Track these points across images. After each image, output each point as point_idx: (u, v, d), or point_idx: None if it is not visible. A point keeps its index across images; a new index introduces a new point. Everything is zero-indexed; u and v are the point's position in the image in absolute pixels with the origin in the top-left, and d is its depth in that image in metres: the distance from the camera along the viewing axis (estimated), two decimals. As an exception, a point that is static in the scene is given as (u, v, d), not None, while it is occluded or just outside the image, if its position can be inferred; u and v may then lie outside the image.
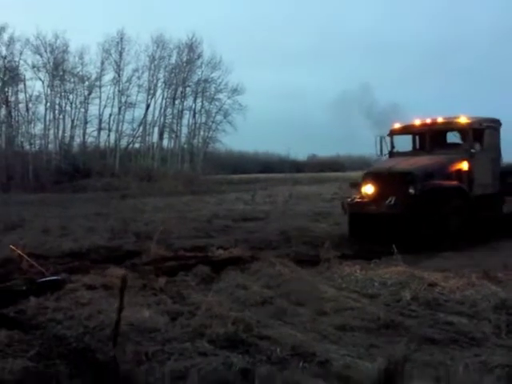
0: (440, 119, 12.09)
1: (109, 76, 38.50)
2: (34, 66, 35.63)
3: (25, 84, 35.30)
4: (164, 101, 40.49)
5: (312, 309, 6.19)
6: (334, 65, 49.04)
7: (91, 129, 37.87)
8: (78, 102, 37.24)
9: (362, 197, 11.56)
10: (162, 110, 40.35)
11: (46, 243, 10.85)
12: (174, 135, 41.50)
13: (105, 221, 14.39)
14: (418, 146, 12.71)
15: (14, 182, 28.40)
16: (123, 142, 39.15)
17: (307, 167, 50.88)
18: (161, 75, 40.41)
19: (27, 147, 34.39)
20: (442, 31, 59.70)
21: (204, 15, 54.59)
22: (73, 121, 36.94)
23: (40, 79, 35.96)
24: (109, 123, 38.18)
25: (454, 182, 11.17)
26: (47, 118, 35.73)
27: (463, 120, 11.66)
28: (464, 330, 5.46)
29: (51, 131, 35.85)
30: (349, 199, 11.97)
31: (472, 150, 11.47)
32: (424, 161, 11.48)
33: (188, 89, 41.53)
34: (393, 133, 12.68)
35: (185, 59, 40.95)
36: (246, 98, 42.53)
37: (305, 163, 54.74)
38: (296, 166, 49.74)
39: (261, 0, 60.59)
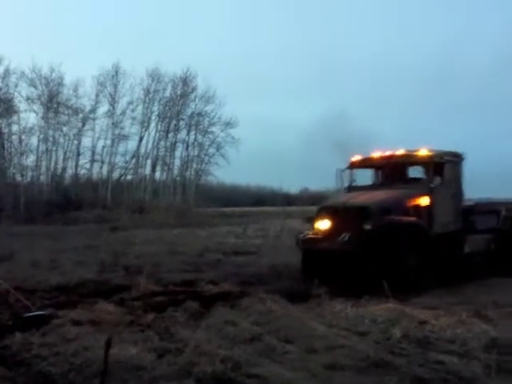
0: (399, 152, 11.50)
1: (103, 108, 38.80)
2: (28, 98, 35.89)
3: (18, 116, 35.50)
4: (157, 133, 40.76)
5: (302, 346, 6.13)
6: (327, 97, 49.60)
7: (84, 161, 37.95)
8: (71, 134, 37.42)
9: (315, 232, 10.87)
10: (155, 143, 40.56)
11: (34, 277, 10.70)
12: (166, 167, 41.61)
13: (95, 254, 14.27)
14: (378, 179, 12.18)
15: (5, 213, 28.23)
16: (115, 174, 39.22)
17: (299, 201, 50.91)
18: (155, 108, 40.79)
19: (19, 179, 34.37)
20: (440, 62, 60.56)
21: (199, 50, 55.38)
22: (65, 152, 37.04)
23: (34, 111, 36.18)
24: (102, 155, 38.31)
25: (412, 218, 10.45)
26: (40, 149, 35.84)
27: (423, 153, 11.06)
28: (454, 369, 5.41)
29: (43, 163, 35.90)
30: (301, 235, 11.31)
31: (431, 185, 10.85)
32: (381, 195, 10.90)
33: (181, 122, 41.87)
34: (352, 166, 12.05)
35: (179, 93, 41.38)
36: (239, 131, 42.83)
37: (297, 196, 54.82)
38: (288, 200, 49.78)
39: (254, 34, 61.41)
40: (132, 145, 39.52)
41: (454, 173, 11.34)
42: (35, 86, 36.01)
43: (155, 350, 5.85)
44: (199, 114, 42.16)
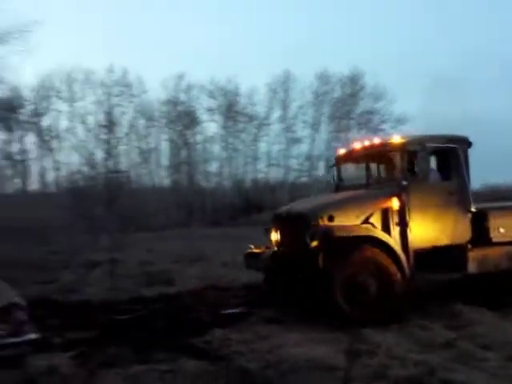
0: (376, 141, 9.03)
1: (276, 114, 40.19)
2: (209, 109, 38.61)
3: (201, 126, 38.41)
4: (329, 134, 41.08)
5: (502, 354, 5.78)
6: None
7: (261, 165, 39.73)
8: (248, 141, 39.38)
9: (266, 246, 8.97)
10: (327, 144, 40.90)
11: (225, 276, 11.45)
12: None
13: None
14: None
15: (194, 217, 30.68)
16: (291, 177, 40.37)
17: (480, 197, 47.23)
18: (324, 110, 41.16)
19: (205, 184, 37.17)
20: None
21: (364, 48, 54.49)
22: (244, 158, 39.13)
23: (214, 121, 38.85)
24: (277, 159, 39.70)
25: (365, 228, 7.79)
26: (221, 156, 38.39)
27: (396, 140, 8.41)
28: None
29: (226, 169, 38.43)
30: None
31: (403, 183, 8.02)
32: (333, 198, 8.83)
33: (352, 121, 41.70)
34: (338, 161, 9.75)
35: (347, 92, 41.30)
36: (411, 128, 41.28)
37: (478, 193, 50.93)
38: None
39: (419, 28, 58.41)
40: (305, 147, 40.37)
41: (448, 164, 8.55)
42: (214, 98, 38.68)
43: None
44: (369, 112, 41.63)
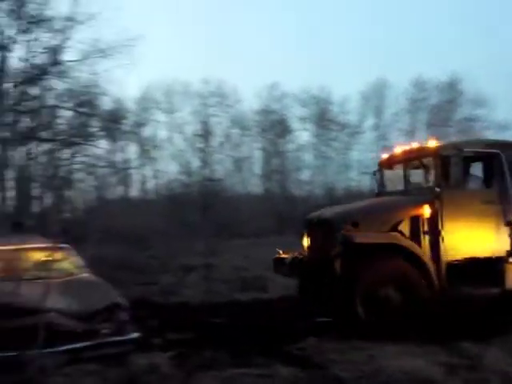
0: (414, 146, 8.72)
1: (369, 122, 39.63)
2: (301, 118, 38.78)
3: (293, 135, 38.66)
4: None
5: None
6: None
7: (353, 173, 39.27)
8: (340, 149, 39.08)
9: (299, 251, 8.66)
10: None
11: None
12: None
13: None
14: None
15: (286, 224, 30.85)
16: (384, 185, 39.69)
17: None
18: (421, 117, 40.00)
19: (296, 192, 37.29)
20: None
21: (462, 52, 52.24)
22: (336, 166, 38.83)
23: (306, 129, 38.95)
24: (370, 167, 39.10)
25: (390, 235, 7.45)
26: (313, 164, 38.35)
27: (431, 145, 8.11)
28: None
29: (317, 177, 38.32)
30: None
31: (436, 189, 7.70)
32: (361, 204, 8.60)
33: (450, 129, 40.18)
34: (381, 166, 9.53)
35: (445, 99, 39.88)
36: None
37: None
38: None
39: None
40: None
41: (492, 171, 8.13)
42: (306, 106, 38.79)
43: (444, 364, 5.76)
44: (469, 119, 39.91)
